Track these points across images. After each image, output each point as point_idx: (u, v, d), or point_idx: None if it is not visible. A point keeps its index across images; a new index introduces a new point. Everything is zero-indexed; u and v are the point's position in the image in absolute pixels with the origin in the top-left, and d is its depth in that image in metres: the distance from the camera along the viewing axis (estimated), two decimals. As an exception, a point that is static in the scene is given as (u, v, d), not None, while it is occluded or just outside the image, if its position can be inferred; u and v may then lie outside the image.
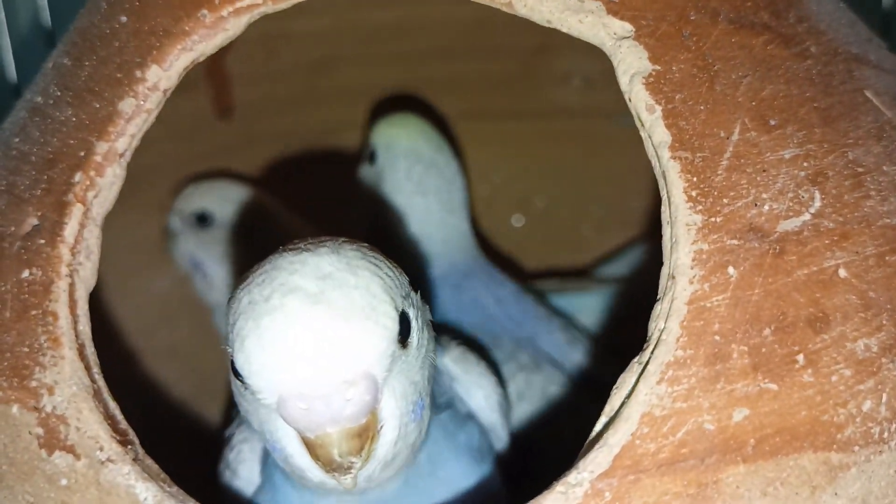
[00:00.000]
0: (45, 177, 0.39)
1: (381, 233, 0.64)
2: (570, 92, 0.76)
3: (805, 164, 0.35)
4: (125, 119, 0.38)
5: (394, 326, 0.31)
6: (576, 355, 0.60)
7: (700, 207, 0.33)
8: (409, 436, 0.34)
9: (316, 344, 0.30)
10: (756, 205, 0.33)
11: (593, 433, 0.33)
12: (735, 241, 0.33)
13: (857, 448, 0.33)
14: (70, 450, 0.35)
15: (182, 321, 0.72)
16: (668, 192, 0.33)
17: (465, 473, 0.41)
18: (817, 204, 0.34)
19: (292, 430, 0.32)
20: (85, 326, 0.36)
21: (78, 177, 0.37)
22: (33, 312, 0.36)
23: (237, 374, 0.32)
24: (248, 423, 0.38)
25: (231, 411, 0.49)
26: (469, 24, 0.72)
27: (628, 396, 0.32)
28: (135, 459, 0.34)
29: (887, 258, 0.34)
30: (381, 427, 0.33)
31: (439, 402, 0.41)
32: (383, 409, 0.32)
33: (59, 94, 0.41)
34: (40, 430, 0.35)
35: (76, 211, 0.37)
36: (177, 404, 0.70)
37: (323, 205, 0.76)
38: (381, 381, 0.32)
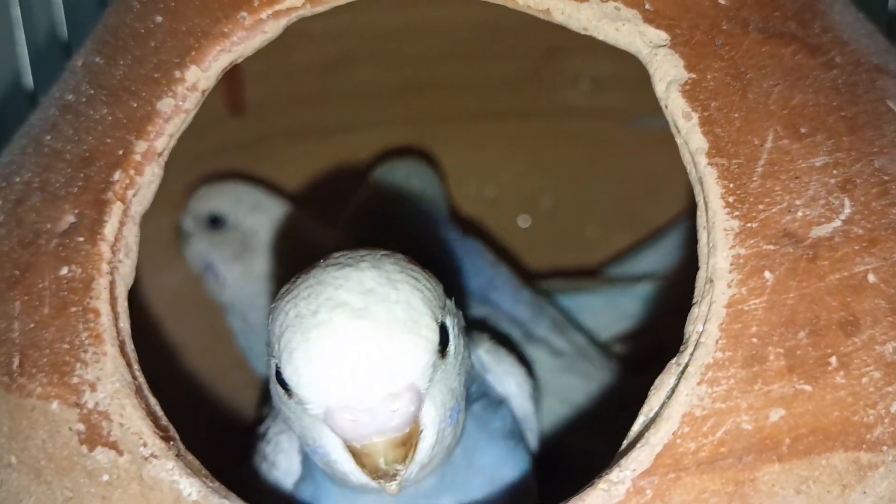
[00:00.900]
0: (82, 174, 0.39)
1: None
2: (578, 94, 0.76)
3: (834, 172, 0.36)
4: (164, 119, 0.38)
5: (434, 338, 0.33)
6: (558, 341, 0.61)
7: (737, 213, 0.34)
8: (445, 439, 0.36)
9: (363, 359, 0.31)
10: (790, 211, 0.34)
11: (631, 433, 0.34)
12: (771, 246, 0.34)
13: (885, 448, 0.34)
14: (113, 446, 0.35)
15: (191, 318, 0.72)
16: (704, 198, 0.34)
17: (501, 458, 0.42)
18: (847, 211, 0.35)
19: (337, 438, 0.33)
20: (125, 323, 0.37)
21: (117, 175, 0.38)
22: (73, 309, 0.37)
23: (283, 384, 0.33)
24: (285, 422, 0.39)
25: (262, 408, 0.49)
26: (480, 26, 0.73)
27: (669, 397, 0.33)
28: (177, 455, 0.35)
29: (914, 264, 0.35)
30: (422, 433, 0.34)
31: (472, 393, 0.42)
32: (424, 416, 0.34)
33: (92, 92, 0.41)
34: (81, 427, 0.35)
35: (116, 209, 0.37)
36: (184, 401, 0.70)
37: (334, 204, 0.76)
38: (423, 392, 0.33)
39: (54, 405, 0.36)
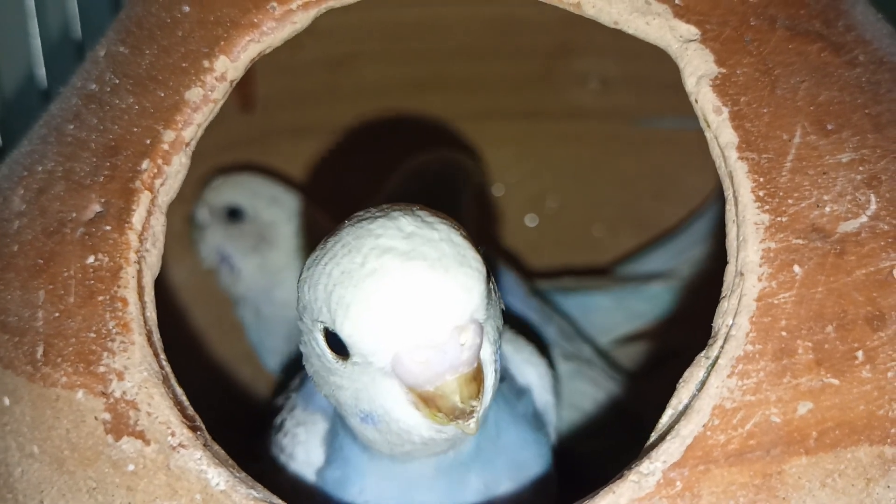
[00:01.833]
0: (108, 163, 0.39)
1: None
2: (586, 93, 0.77)
3: (861, 168, 0.36)
4: (192, 108, 0.38)
5: (483, 269, 0.32)
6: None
7: (767, 207, 0.34)
8: (495, 384, 0.35)
9: (425, 296, 0.31)
10: (818, 206, 0.35)
11: (660, 425, 0.34)
12: (800, 241, 0.34)
13: (909, 443, 0.34)
14: (140, 435, 0.35)
15: (199, 313, 0.72)
16: (734, 192, 0.34)
17: (525, 441, 0.42)
18: (873, 206, 0.35)
19: (400, 392, 0.33)
20: (152, 313, 0.37)
21: (145, 164, 0.38)
22: (100, 298, 0.36)
23: (336, 348, 0.33)
24: (314, 405, 0.39)
25: (275, 400, 0.49)
26: (490, 25, 0.73)
27: (699, 389, 0.33)
28: (205, 445, 0.35)
29: (938, 260, 0.35)
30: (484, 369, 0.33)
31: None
32: (482, 353, 0.33)
33: (117, 81, 0.41)
34: (107, 416, 0.35)
35: (144, 198, 0.37)
36: (192, 396, 0.70)
37: (341, 199, 0.76)
38: (483, 324, 0.32)
39: (80, 394, 0.36)
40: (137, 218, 0.37)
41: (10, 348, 0.38)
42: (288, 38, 0.39)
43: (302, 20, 0.38)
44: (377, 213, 0.33)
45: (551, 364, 0.47)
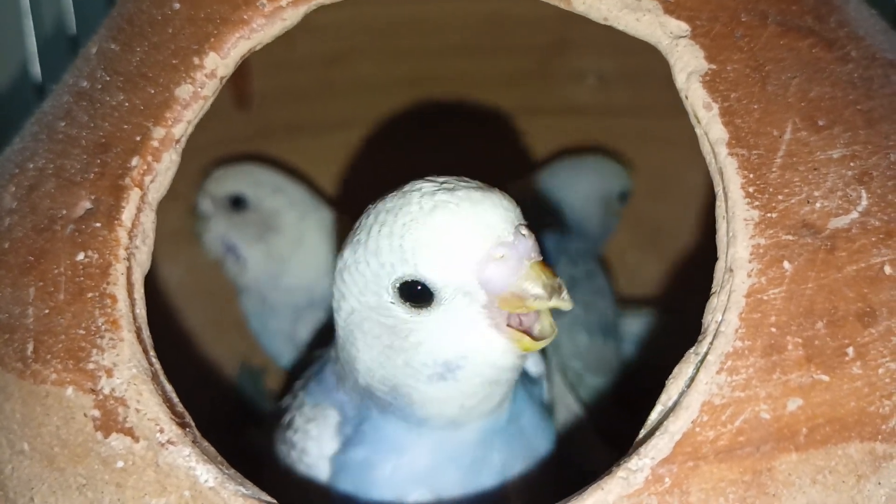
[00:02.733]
0: (98, 161, 0.39)
1: None
2: (584, 90, 0.76)
3: (852, 164, 0.36)
4: (182, 105, 0.38)
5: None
6: None
7: (757, 203, 0.34)
8: None
9: (483, 211, 0.35)
10: (809, 202, 0.34)
11: (649, 422, 0.34)
12: (790, 237, 0.34)
13: (900, 439, 0.34)
14: (128, 432, 0.35)
15: (194, 311, 0.72)
16: (724, 188, 0.34)
17: (538, 426, 0.44)
18: (864, 203, 0.35)
19: (486, 322, 0.36)
20: (141, 310, 0.37)
21: (135, 161, 0.38)
22: (90, 295, 0.36)
23: (415, 299, 0.36)
24: (325, 400, 0.42)
25: (283, 399, 0.49)
26: (486, 21, 0.73)
27: (687, 386, 0.33)
28: (194, 441, 0.35)
29: (930, 256, 0.35)
30: None
31: None
32: None
33: (108, 78, 0.41)
34: (97, 413, 0.35)
35: (133, 195, 0.37)
36: (186, 392, 0.70)
37: (337, 196, 0.76)
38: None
39: (69, 391, 0.36)
40: (127, 215, 0.37)
41: (1, 345, 0.38)
42: (278, 35, 0.39)
43: (292, 17, 0.38)
44: (395, 193, 0.37)
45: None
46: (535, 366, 0.47)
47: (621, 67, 0.74)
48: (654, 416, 0.33)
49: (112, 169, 0.38)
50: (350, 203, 0.76)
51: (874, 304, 0.34)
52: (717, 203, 0.35)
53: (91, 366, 0.36)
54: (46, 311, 0.37)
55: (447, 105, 0.76)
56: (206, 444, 0.35)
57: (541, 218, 0.65)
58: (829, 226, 0.34)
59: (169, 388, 0.36)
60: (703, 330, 0.34)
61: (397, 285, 0.36)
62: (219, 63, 0.38)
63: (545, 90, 0.77)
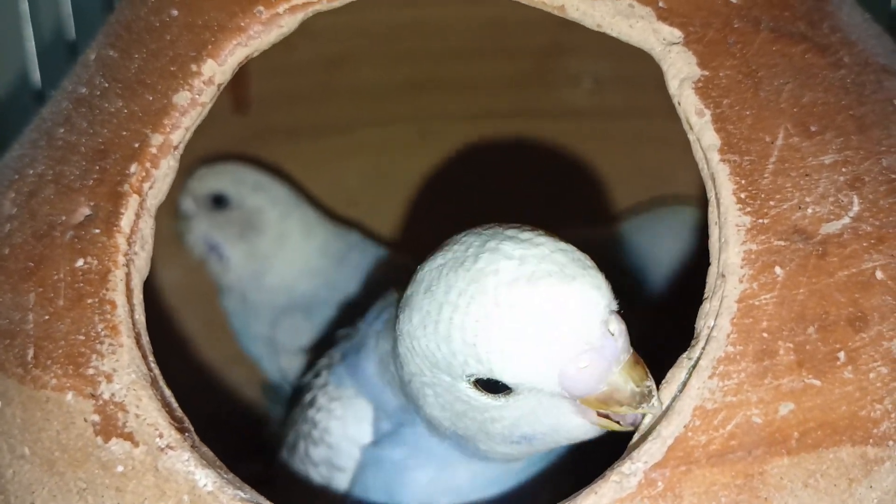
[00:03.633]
0: (97, 167, 0.39)
1: None
2: (580, 93, 0.77)
3: (844, 170, 0.36)
4: (180, 112, 0.38)
5: (594, 263, 0.33)
6: None
7: (749, 209, 0.34)
8: None
9: (566, 309, 0.32)
10: (800, 208, 0.35)
11: (642, 426, 0.34)
12: (781, 242, 0.34)
13: (891, 443, 0.34)
14: (128, 437, 0.35)
15: (190, 314, 0.72)
16: (716, 194, 0.35)
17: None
18: (856, 208, 0.36)
19: (569, 407, 0.33)
20: (140, 315, 0.37)
21: (133, 168, 0.38)
22: (89, 301, 0.37)
23: (492, 389, 0.33)
24: (357, 386, 0.41)
25: (304, 376, 0.49)
26: (483, 25, 0.74)
27: (680, 390, 0.33)
28: (193, 446, 0.35)
29: (921, 261, 0.36)
30: None
31: None
32: None
33: (106, 85, 0.42)
34: (96, 418, 0.36)
35: (132, 202, 0.38)
36: (184, 395, 0.70)
37: (331, 201, 0.77)
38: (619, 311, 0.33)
39: (69, 396, 0.36)
40: (126, 221, 0.37)
41: (1, 351, 0.39)
42: (275, 42, 0.39)
43: (289, 24, 0.39)
44: (471, 250, 0.33)
45: None
46: None
47: (617, 70, 0.74)
48: (647, 420, 0.34)
49: (111, 175, 0.38)
50: (355, 208, 0.78)
51: (865, 309, 0.34)
52: (710, 209, 0.35)
53: (91, 371, 0.36)
54: (46, 316, 0.38)
55: (443, 110, 0.76)
56: (205, 448, 0.36)
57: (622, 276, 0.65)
58: (821, 231, 0.35)
59: (168, 393, 0.36)
60: (695, 335, 0.34)
61: (472, 379, 0.34)
62: (216, 70, 0.39)
63: (542, 93, 0.77)
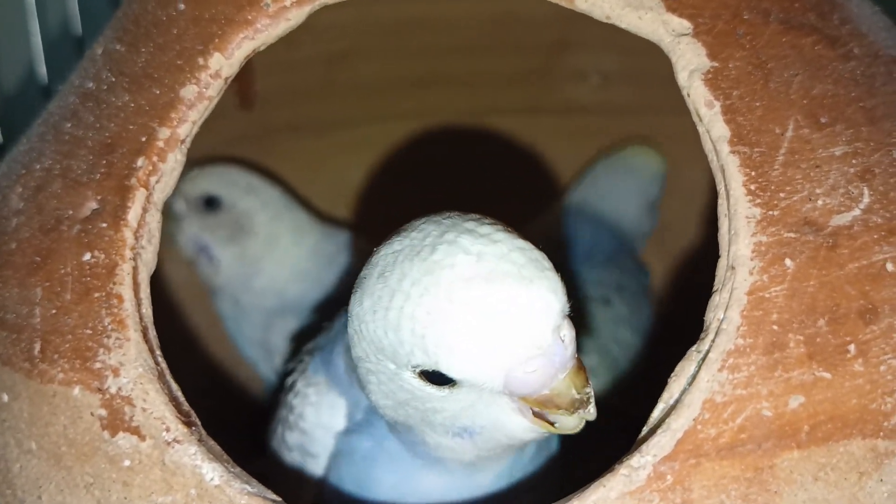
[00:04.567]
0: (105, 161, 0.39)
1: None
2: (587, 89, 0.76)
3: (854, 162, 0.36)
4: (187, 106, 0.38)
5: (552, 265, 0.33)
6: None
7: (759, 201, 0.34)
8: None
9: (519, 311, 0.31)
10: (810, 199, 0.35)
11: (651, 419, 0.34)
12: (792, 234, 0.34)
13: (902, 436, 0.34)
14: (135, 431, 0.35)
15: (198, 310, 0.72)
16: (726, 186, 0.34)
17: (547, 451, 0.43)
18: (866, 200, 0.35)
19: (510, 404, 0.33)
20: (147, 309, 0.37)
21: (140, 161, 0.38)
22: (96, 295, 0.37)
23: (437, 381, 0.33)
24: (332, 378, 0.40)
25: (288, 363, 0.49)
26: (488, 21, 0.73)
27: (689, 383, 0.33)
28: (199, 440, 0.35)
29: (932, 253, 0.35)
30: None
31: None
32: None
33: (113, 79, 0.42)
34: (103, 412, 0.36)
35: (139, 195, 0.37)
36: (189, 392, 0.70)
37: (334, 198, 0.77)
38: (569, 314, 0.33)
39: (76, 390, 0.36)
40: (133, 215, 0.37)
41: (9, 345, 0.39)
42: (282, 35, 0.39)
43: (296, 17, 0.39)
44: (428, 239, 0.33)
45: None
46: None
47: (623, 66, 0.74)
48: (656, 413, 0.34)
49: (118, 169, 0.38)
50: (357, 204, 0.77)
51: (876, 302, 0.34)
52: (719, 201, 0.35)
53: (98, 365, 0.36)
54: (53, 310, 0.38)
55: (448, 106, 0.76)
56: (211, 442, 0.36)
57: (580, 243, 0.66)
58: (831, 223, 0.35)
59: (175, 387, 0.36)
60: (705, 328, 0.34)
61: (417, 370, 0.33)
62: (223, 63, 0.38)
63: (548, 89, 0.76)
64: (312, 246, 0.67)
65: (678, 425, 0.32)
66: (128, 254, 0.37)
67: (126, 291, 0.36)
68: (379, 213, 0.77)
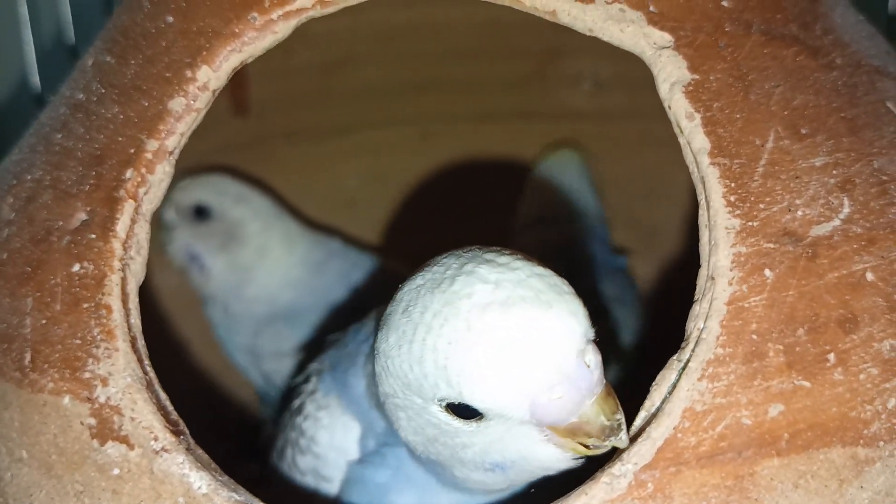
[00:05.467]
0: (94, 172, 0.40)
1: None
2: (580, 95, 0.77)
3: (834, 172, 0.36)
4: (175, 118, 0.39)
5: (573, 290, 0.33)
6: None
7: (738, 212, 0.34)
8: None
9: (541, 336, 0.31)
10: (790, 210, 0.35)
11: (633, 427, 0.34)
12: (771, 245, 0.34)
13: (881, 443, 0.34)
14: (124, 440, 0.35)
15: (189, 318, 0.72)
16: (706, 197, 0.35)
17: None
18: (846, 210, 0.36)
19: (539, 435, 0.33)
20: (136, 319, 0.37)
21: (129, 173, 0.38)
22: (85, 305, 0.37)
23: (463, 414, 0.33)
24: (344, 398, 0.40)
25: (294, 379, 0.49)
26: (483, 27, 0.74)
27: (670, 392, 0.33)
28: (188, 449, 0.35)
29: (912, 263, 0.36)
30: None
31: None
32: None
33: (103, 91, 0.42)
34: (93, 421, 0.36)
35: (128, 207, 0.38)
36: (183, 399, 0.70)
37: (331, 205, 0.77)
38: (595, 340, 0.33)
39: (66, 400, 0.37)
40: (121, 226, 0.38)
41: (0, 354, 0.39)
42: (269, 47, 0.40)
43: (283, 30, 0.39)
44: (448, 272, 0.33)
45: None
46: None
47: (616, 72, 0.74)
48: (638, 421, 0.34)
49: (107, 181, 0.39)
50: (353, 210, 0.78)
51: (856, 311, 0.35)
52: (700, 212, 0.35)
53: (87, 375, 0.36)
54: (43, 321, 0.38)
55: (443, 111, 0.76)
56: (199, 451, 0.36)
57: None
58: (811, 233, 0.35)
59: (163, 396, 0.37)
60: (686, 337, 0.34)
61: (443, 403, 0.33)
62: (211, 76, 0.39)
63: (542, 95, 0.77)
64: (303, 254, 0.68)
65: (658, 434, 0.32)
66: (116, 265, 0.37)
67: (115, 302, 0.37)
68: (376, 218, 0.78)
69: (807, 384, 0.33)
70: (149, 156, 0.39)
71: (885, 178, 0.37)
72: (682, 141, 0.36)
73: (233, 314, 0.67)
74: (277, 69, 0.72)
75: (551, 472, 0.35)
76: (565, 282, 0.33)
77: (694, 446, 0.32)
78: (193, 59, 0.39)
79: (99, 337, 0.36)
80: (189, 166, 0.68)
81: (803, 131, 0.37)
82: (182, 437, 0.36)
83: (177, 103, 0.39)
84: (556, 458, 0.34)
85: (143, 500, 0.35)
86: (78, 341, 0.37)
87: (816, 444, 0.33)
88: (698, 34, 0.37)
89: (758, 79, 0.37)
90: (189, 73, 0.39)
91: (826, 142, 0.37)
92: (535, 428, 0.33)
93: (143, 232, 0.38)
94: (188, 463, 0.35)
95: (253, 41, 0.39)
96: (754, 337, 0.33)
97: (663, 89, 0.36)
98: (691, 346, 0.34)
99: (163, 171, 0.39)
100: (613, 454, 0.34)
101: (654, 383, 0.34)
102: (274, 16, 0.39)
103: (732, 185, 0.35)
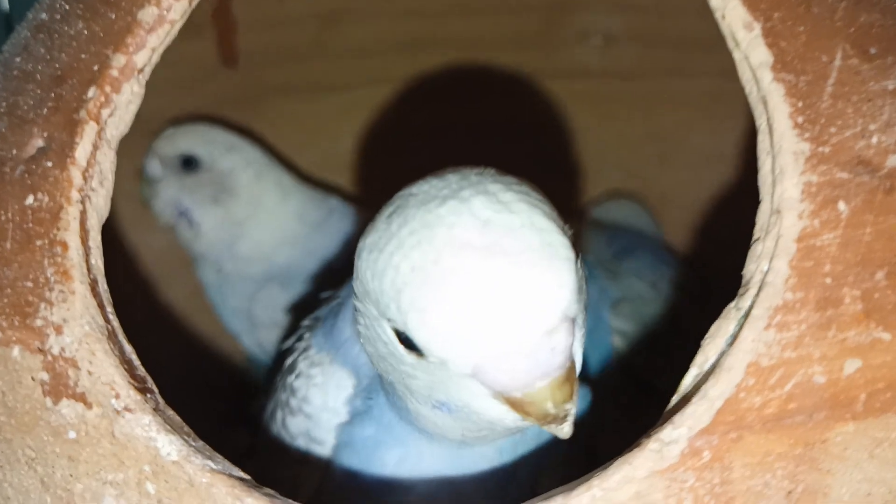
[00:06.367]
0: (53, 94, 0.34)
1: None
2: (588, 51, 0.72)
3: (910, 97, 0.31)
4: (145, 30, 0.34)
5: (573, 255, 0.28)
6: None
7: (808, 135, 0.29)
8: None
9: (509, 299, 0.27)
10: (864, 136, 0.30)
11: (682, 387, 0.29)
12: (845, 174, 0.29)
13: (968, 408, 0.29)
14: (80, 398, 0.30)
15: (179, 281, 0.68)
16: (769, 118, 0.30)
17: None
18: (925, 139, 0.31)
19: (483, 391, 0.29)
20: (97, 260, 0.32)
21: (91, 92, 0.33)
22: (38, 243, 0.32)
23: (409, 346, 0.29)
24: (336, 354, 0.37)
25: (286, 340, 0.45)
26: (487, -22, 0.69)
27: (729, 344, 0.28)
28: (155, 409, 0.30)
29: None
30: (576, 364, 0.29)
31: None
32: (575, 345, 0.29)
33: (68, 7, 0.37)
34: (45, 376, 0.31)
35: (89, 130, 0.33)
36: (169, 366, 0.66)
37: (325, 161, 0.72)
38: (575, 319, 0.28)
39: (15, 351, 0.31)
40: (81, 152, 0.32)
41: (-57, 303, 0.34)
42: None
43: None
44: (444, 190, 0.29)
45: None
46: None
47: (628, 27, 0.70)
48: (688, 380, 0.29)
49: (67, 102, 0.34)
50: (349, 169, 0.73)
51: (939, 254, 0.30)
52: (760, 137, 0.30)
53: (39, 322, 0.31)
54: (-9, 262, 0.33)
55: (447, 68, 0.72)
56: (170, 412, 0.31)
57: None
58: (888, 164, 0.30)
59: (128, 348, 0.31)
60: (744, 282, 0.29)
61: (392, 325, 0.30)
62: (189, -19, 0.34)
63: (549, 52, 0.72)
64: (298, 207, 0.63)
65: (717, 392, 0.27)
66: (75, 196, 0.32)
67: (72, 238, 0.31)
68: (373, 180, 0.73)
69: (886, 336, 0.28)
70: (114, 73, 0.33)
71: (964, 106, 0.32)
72: (737, 56, 0.31)
73: (226, 274, 0.62)
74: (270, 18, 0.67)
75: (498, 427, 0.32)
76: (567, 245, 0.28)
77: (759, 408, 0.27)
78: (168, -39, 0.34)
79: (53, 279, 0.31)
80: (178, 119, 0.64)
81: (872, 51, 0.32)
82: (149, 395, 0.30)
83: (147, 13, 0.34)
84: (501, 414, 0.30)
85: (104, 468, 0.30)
86: (29, 284, 0.31)
87: (895, 408, 0.29)
88: (755, -64, 0.32)
89: (820, -10, 0.32)
90: (163, -22, 0.34)
91: (898, 64, 0.32)
92: (478, 383, 0.29)
93: (107, 160, 0.33)
94: (155, 425, 0.29)
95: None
96: (828, 280, 0.28)
97: (716, -3, 0.31)
98: (754, 290, 0.28)
99: (130, 91, 0.33)
100: (661, 416, 0.29)
101: (706, 336, 0.29)
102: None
103: (800, 104, 0.30)
